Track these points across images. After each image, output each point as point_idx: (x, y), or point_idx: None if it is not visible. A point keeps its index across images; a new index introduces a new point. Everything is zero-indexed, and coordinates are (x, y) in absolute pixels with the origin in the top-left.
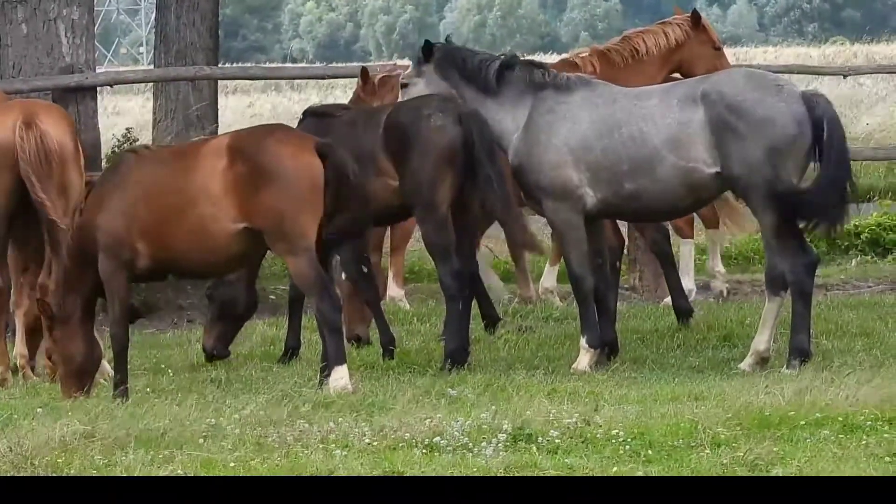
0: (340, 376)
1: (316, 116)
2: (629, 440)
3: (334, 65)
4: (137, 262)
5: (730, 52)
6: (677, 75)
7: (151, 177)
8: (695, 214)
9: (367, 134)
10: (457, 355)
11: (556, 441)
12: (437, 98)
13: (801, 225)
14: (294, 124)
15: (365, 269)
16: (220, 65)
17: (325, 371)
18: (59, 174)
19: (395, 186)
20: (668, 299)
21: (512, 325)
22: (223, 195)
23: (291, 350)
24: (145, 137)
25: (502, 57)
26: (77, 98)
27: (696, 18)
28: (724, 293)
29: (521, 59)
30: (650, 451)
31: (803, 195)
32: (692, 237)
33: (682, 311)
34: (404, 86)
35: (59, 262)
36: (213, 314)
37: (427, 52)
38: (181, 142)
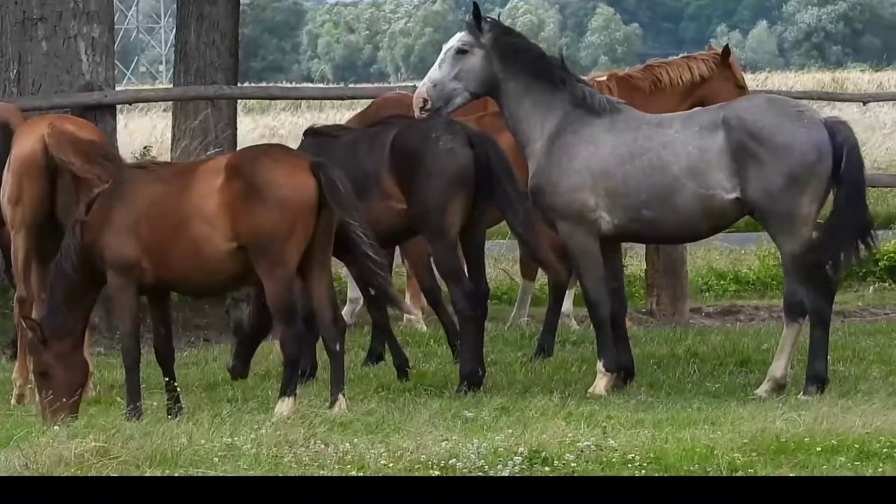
0: (286, 406)
1: (316, 136)
2: (645, 464)
3: (353, 85)
4: (143, 279)
5: (749, 78)
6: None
7: (155, 194)
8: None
9: (370, 155)
10: (472, 377)
11: (572, 464)
12: (443, 120)
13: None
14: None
15: (372, 292)
16: (239, 84)
17: (334, 392)
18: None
19: (400, 209)
20: None
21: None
22: (218, 213)
23: (307, 371)
24: (162, 156)
25: (555, 59)
26: (96, 116)
27: (725, 54)
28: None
29: (569, 70)
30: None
31: (820, 247)
32: (533, 279)
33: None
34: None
35: (61, 279)
36: (233, 333)
37: (478, 21)
38: (184, 160)
